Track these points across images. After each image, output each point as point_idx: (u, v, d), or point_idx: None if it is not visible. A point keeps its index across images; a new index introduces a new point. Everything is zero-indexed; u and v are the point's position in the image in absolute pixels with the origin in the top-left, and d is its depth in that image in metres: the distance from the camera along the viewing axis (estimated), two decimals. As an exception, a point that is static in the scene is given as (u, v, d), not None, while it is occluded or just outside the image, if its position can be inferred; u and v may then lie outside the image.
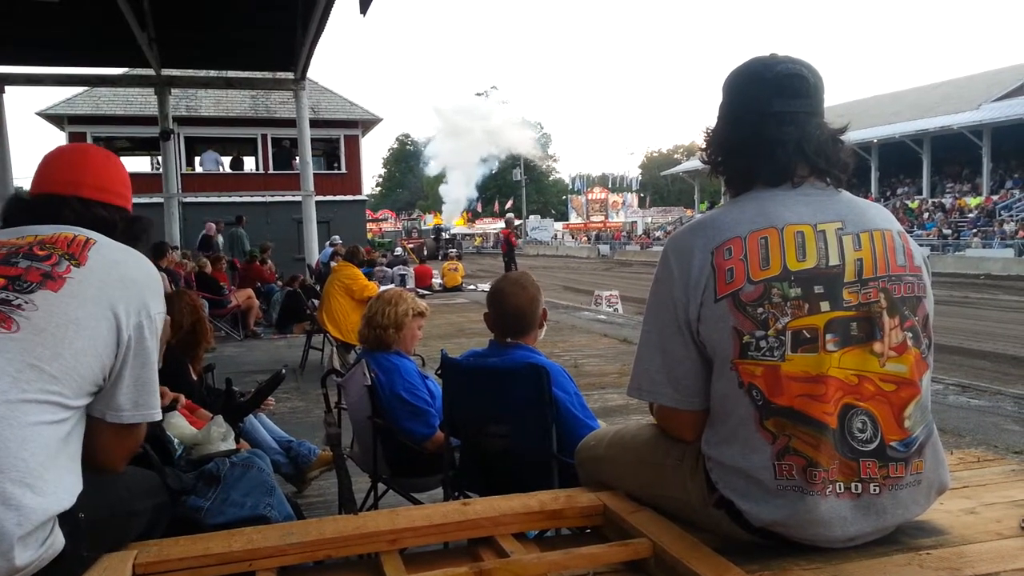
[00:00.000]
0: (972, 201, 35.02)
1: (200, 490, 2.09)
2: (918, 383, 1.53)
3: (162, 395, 2.69)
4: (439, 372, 2.87)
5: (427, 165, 71.15)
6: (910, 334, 1.53)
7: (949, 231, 32.72)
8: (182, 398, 2.84)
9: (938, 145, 36.71)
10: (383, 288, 5.92)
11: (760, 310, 1.50)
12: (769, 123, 1.61)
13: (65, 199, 1.73)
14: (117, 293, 1.56)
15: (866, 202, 1.68)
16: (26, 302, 1.48)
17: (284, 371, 3.22)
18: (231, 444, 2.60)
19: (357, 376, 3.32)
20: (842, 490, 1.48)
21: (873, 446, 1.49)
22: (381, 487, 3.32)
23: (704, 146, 1.76)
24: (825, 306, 1.50)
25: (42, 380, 1.44)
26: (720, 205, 1.73)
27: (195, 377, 3.65)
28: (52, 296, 1.50)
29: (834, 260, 1.52)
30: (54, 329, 1.47)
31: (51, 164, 1.81)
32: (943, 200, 36.43)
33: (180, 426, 2.62)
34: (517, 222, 56.52)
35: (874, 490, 1.49)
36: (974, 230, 32.03)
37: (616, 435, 1.97)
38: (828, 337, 1.49)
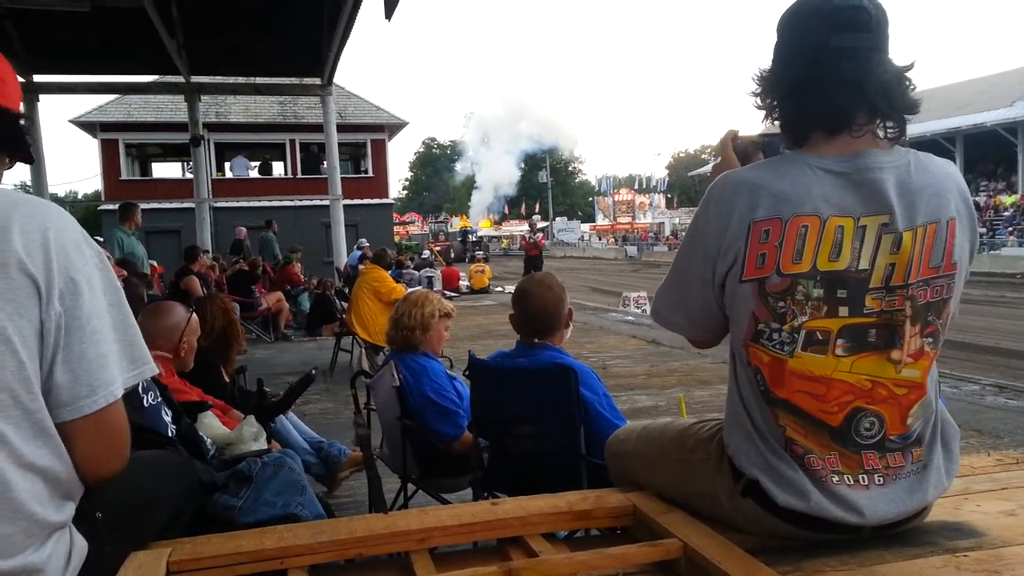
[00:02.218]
0: (1007, 199, 34.26)
1: (232, 489, 2.11)
2: (926, 385, 1.55)
3: (187, 392, 2.73)
4: (467, 373, 2.87)
5: (458, 159, 71.91)
6: (929, 339, 1.53)
7: (984, 230, 32.07)
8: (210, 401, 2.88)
9: (971, 143, 35.96)
10: (410, 290, 5.94)
11: (781, 304, 1.50)
12: (827, 60, 1.49)
13: None
14: (22, 276, 1.20)
15: (925, 182, 1.51)
16: None
17: (314, 372, 3.25)
18: (263, 444, 2.63)
19: (386, 377, 3.34)
20: (851, 481, 1.51)
21: (875, 440, 1.52)
22: (411, 487, 3.33)
23: (756, 89, 1.63)
24: (843, 311, 1.48)
25: None
26: (772, 159, 1.63)
27: (227, 379, 3.70)
28: None
29: (864, 264, 1.47)
30: None
31: None
32: (977, 198, 35.66)
33: (213, 426, 2.66)
34: (542, 224, 56.35)
35: (879, 480, 1.52)
36: (1009, 228, 31.40)
37: (644, 430, 2.00)
38: (839, 342, 1.49)
